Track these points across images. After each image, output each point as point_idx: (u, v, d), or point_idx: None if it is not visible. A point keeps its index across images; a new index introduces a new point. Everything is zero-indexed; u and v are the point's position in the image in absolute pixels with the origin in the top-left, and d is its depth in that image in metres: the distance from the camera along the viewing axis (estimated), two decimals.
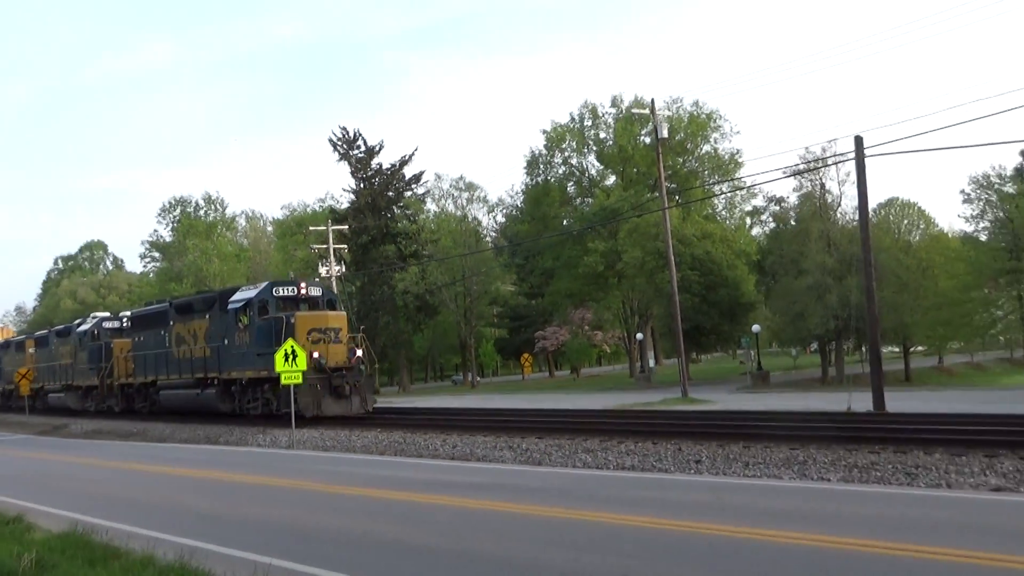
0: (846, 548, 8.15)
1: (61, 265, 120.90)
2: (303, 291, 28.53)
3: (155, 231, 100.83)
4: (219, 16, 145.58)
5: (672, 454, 16.02)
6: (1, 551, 9.18)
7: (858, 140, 26.15)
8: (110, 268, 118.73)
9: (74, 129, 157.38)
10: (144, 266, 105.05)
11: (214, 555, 8.81)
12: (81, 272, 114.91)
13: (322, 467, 17.58)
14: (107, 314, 43.65)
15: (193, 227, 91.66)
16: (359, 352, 27.42)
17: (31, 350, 48.16)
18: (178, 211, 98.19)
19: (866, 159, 26.06)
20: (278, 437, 24.56)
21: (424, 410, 33.40)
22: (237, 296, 29.19)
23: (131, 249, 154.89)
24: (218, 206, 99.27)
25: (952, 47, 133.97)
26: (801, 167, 50.14)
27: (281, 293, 28.25)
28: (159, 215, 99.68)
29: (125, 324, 39.41)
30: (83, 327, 40.85)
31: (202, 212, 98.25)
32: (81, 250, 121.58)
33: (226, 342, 28.65)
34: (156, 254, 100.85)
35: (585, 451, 17.28)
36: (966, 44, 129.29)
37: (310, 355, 24.94)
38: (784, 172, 54.73)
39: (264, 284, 29.33)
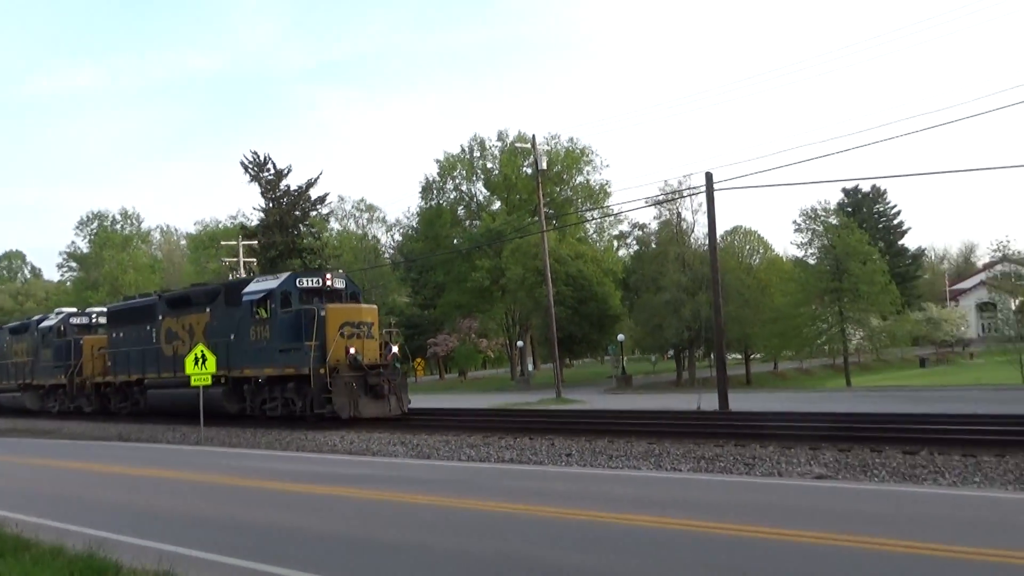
0: (695, 530, 8.35)
1: None
2: (328, 282, 23.84)
3: (73, 243, 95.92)
4: (139, 47, 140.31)
5: (546, 448, 16.12)
6: None
7: (708, 176, 27.01)
8: (28, 276, 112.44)
9: None
10: (61, 275, 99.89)
11: (121, 544, 8.39)
12: (0, 280, 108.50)
13: (227, 462, 17.00)
14: (73, 309, 37.08)
15: (110, 239, 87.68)
16: (395, 348, 23.10)
17: None
18: (95, 224, 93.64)
19: (715, 192, 26.93)
20: (188, 434, 23.66)
21: None
22: (253, 287, 24.16)
23: (48, 259, 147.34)
24: (134, 220, 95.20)
25: (789, 98, 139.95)
26: (661, 198, 51.68)
27: (305, 284, 23.43)
28: (77, 227, 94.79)
29: (95, 320, 33.93)
30: (47, 323, 34.71)
31: (119, 226, 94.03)
32: (0, 259, 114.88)
33: (233, 337, 24.09)
34: (73, 264, 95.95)
35: (469, 446, 17.22)
36: (802, 96, 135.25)
37: (346, 351, 21.52)
38: (646, 202, 56.19)
39: (286, 275, 24.26)
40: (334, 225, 72.72)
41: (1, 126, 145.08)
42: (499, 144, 66.23)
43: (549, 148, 60.73)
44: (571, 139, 64.06)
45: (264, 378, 23.20)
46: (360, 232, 74.24)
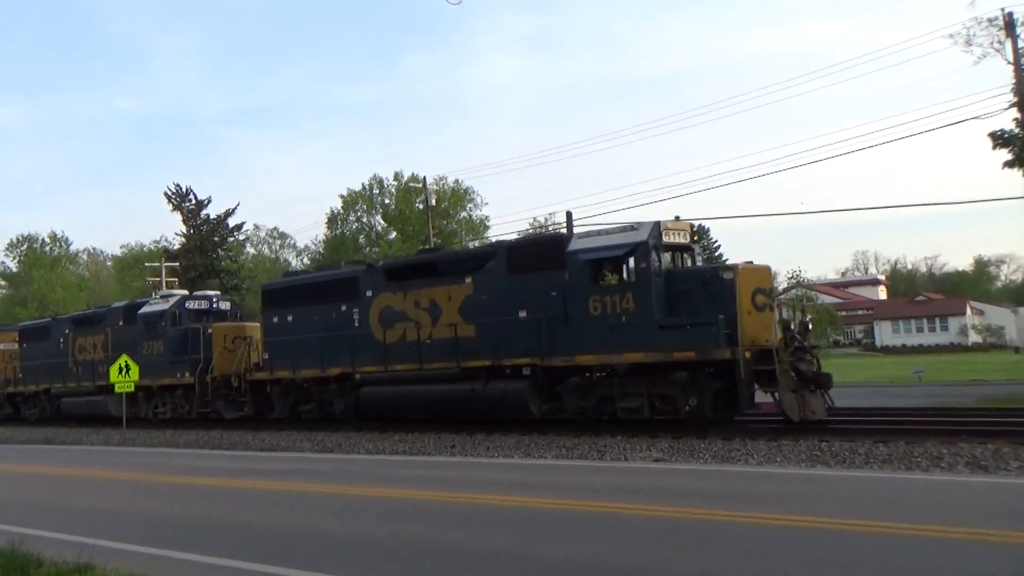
0: (558, 508, 8.41)
1: None
2: (683, 236, 15.06)
3: (2, 262, 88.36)
4: (67, 87, 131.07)
5: (433, 442, 15.92)
6: None
7: (568, 214, 27.73)
8: None
9: None
10: None
11: (44, 539, 7.70)
12: None
13: (150, 461, 15.96)
14: (183, 292, 26.38)
15: (39, 260, 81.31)
16: (809, 321, 14.82)
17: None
18: (25, 246, 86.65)
19: (574, 228, 27.58)
20: (111, 436, 22.09)
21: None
22: (590, 244, 15.25)
23: None
24: (63, 243, 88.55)
25: (634, 152, 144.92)
26: (530, 232, 52.40)
27: (670, 239, 14.70)
28: (7, 249, 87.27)
29: (217, 304, 24.45)
30: (151, 308, 24.34)
31: (48, 248, 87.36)
32: None
33: (525, 314, 15.71)
34: (3, 282, 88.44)
35: (367, 440, 16.82)
36: (643, 150, 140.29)
37: (786, 328, 13.85)
38: (518, 235, 56.88)
39: (648, 224, 14.68)
40: (249, 250, 70.34)
41: None
42: (395, 183, 65.70)
43: (438, 188, 60.61)
44: (456, 180, 64.22)
45: (623, 367, 14.60)
46: (273, 256, 72.03)
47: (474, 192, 64.67)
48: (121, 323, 25.05)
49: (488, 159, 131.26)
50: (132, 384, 21.76)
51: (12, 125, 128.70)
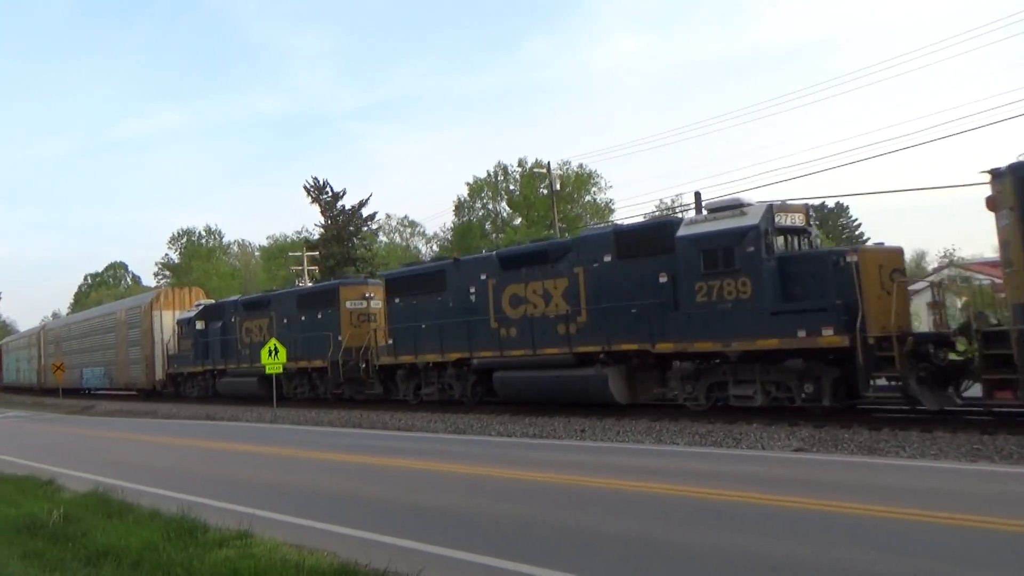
0: (693, 496, 8.22)
1: (90, 281, 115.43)
2: None
3: (166, 254, 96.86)
4: (215, 92, 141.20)
5: (563, 426, 15.93)
6: (34, 507, 8.60)
7: (697, 195, 26.84)
8: (129, 283, 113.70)
9: (102, 176, 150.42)
10: (157, 282, 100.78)
11: (209, 508, 8.39)
12: (106, 287, 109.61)
13: (296, 437, 17.00)
14: (743, 199, 14.95)
15: (196, 252, 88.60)
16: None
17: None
18: (185, 239, 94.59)
19: (703, 208, 26.70)
20: (263, 414, 23.64)
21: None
22: None
23: (146, 268, 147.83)
24: (216, 236, 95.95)
25: (764, 128, 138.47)
26: (656, 214, 51.38)
27: None
28: (169, 242, 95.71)
29: (810, 223, 14.92)
30: (709, 226, 14.20)
31: (204, 240, 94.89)
32: (106, 269, 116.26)
33: None
34: (167, 272, 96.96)
35: (499, 423, 17.07)
36: (774, 126, 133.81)
37: None
38: (645, 217, 55.83)
39: None
40: (382, 238, 73.18)
41: (104, 160, 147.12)
42: (519, 169, 66.14)
43: (562, 172, 60.49)
44: (580, 164, 63.82)
45: None
46: (404, 244, 74.63)
47: (598, 176, 64.17)
48: (608, 258, 16.16)
49: (611, 142, 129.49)
50: (280, 366, 22.84)
51: (169, 130, 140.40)
